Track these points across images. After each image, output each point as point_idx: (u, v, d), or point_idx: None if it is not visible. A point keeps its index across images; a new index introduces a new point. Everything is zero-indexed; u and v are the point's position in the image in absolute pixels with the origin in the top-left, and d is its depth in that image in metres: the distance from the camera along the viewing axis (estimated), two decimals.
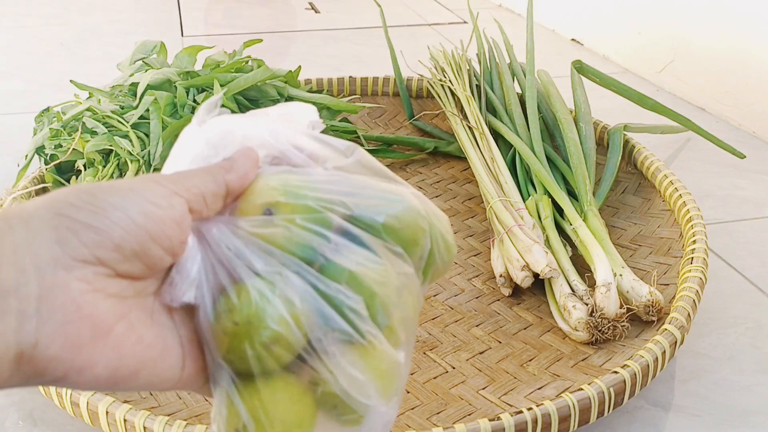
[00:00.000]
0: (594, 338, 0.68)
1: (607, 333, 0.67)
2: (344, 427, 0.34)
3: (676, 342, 0.62)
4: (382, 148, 1.04)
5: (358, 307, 0.32)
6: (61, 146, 0.85)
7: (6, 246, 0.27)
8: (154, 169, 0.81)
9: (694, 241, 0.73)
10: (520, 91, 1.01)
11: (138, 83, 0.89)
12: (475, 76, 1.05)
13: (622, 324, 0.68)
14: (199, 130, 0.36)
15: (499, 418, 0.53)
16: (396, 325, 0.34)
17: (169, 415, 0.55)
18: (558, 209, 0.82)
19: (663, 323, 0.64)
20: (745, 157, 1.03)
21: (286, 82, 0.94)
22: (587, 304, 0.69)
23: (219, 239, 0.33)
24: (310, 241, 0.32)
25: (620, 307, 0.68)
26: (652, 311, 0.68)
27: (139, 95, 0.87)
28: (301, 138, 0.36)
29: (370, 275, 0.33)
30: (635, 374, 0.58)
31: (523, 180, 0.87)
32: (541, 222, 0.80)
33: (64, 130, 0.86)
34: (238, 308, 0.31)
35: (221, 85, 0.86)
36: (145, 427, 0.53)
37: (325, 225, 0.33)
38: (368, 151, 0.95)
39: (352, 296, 0.32)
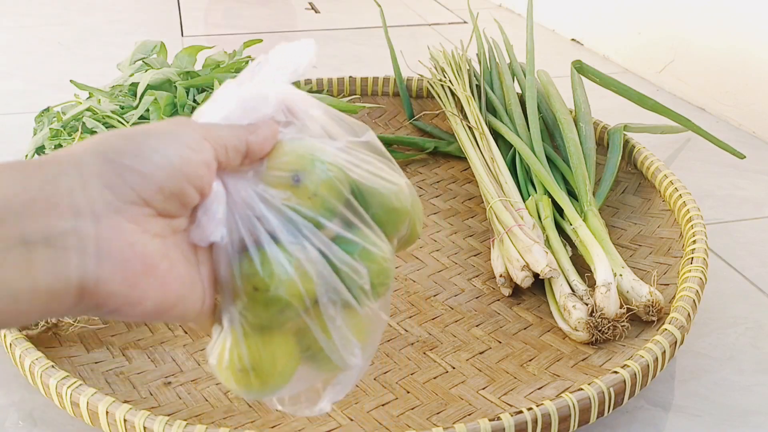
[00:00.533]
0: (594, 338, 0.68)
1: (607, 333, 0.67)
2: (323, 374, 0.38)
3: (676, 342, 0.62)
4: None
5: (364, 281, 0.36)
6: (61, 146, 0.85)
7: (61, 189, 0.29)
8: None
9: (694, 241, 0.73)
10: (520, 91, 1.01)
11: (138, 83, 0.89)
12: (475, 76, 1.05)
13: (622, 324, 0.68)
14: (237, 90, 0.38)
15: (499, 418, 0.53)
16: (388, 295, 0.39)
17: (168, 415, 0.55)
18: (558, 209, 0.82)
19: (663, 323, 0.64)
20: (744, 157, 1.03)
21: None
22: (587, 304, 0.69)
23: (246, 199, 0.35)
24: (329, 213, 0.36)
25: (620, 307, 0.68)
26: (652, 311, 0.68)
27: (139, 95, 0.87)
28: (321, 113, 0.39)
29: (377, 252, 0.37)
30: (635, 374, 0.58)
31: (523, 180, 0.87)
32: (541, 222, 0.80)
33: (64, 130, 0.86)
34: (259, 276, 0.34)
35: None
36: (145, 427, 0.53)
37: (343, 199, 0.37)
38: None
39: (360, 271, 0.36)
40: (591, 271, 0.73)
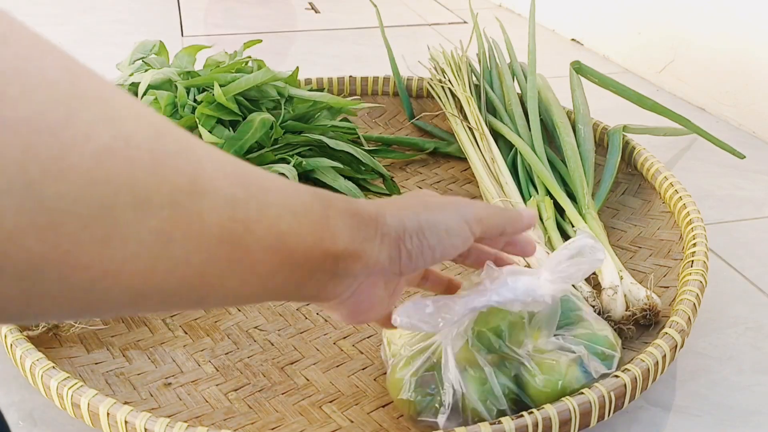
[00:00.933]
0: None
1: None
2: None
3: (676, 345, 0.62)
4: (382, 148, 1.03)
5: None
6: None
7: (368, 249, 0.40)
8: None
9: (695, 244, 0.73)
10: (519, 92, 1.01)
11: (138, 83, 0.89)
12: (475, 76, 1.05)
13: (628, 327, 0.67)
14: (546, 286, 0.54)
15: (500, 422, 0.53)
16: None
17: (169, 417, 0.55)
18: (558, 210, 0.82)
19: (663, 326, 0.64)
20: (745, 157, 1.03)
21: (286, 83, 0.94)
22: (593, 306, 0.68)
23: (453, 314, 0.51)
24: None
25: (626, 310, 0.68)
26: (650, 315, 0.68)
27: (139, 95, 0.87)
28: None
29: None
30: (636, 378, 0.58)
31: (524, 181, 0.87)
32: (542, 223, 0.80)
33: None
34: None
35: (222, 86, 0.86)
36: (146, 429, 0.53)
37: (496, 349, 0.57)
38: (368, 151, 0.96)
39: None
40: (592, 273, 0.73)
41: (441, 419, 0.55)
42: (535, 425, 0.53)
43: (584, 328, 0.59)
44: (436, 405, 0.56)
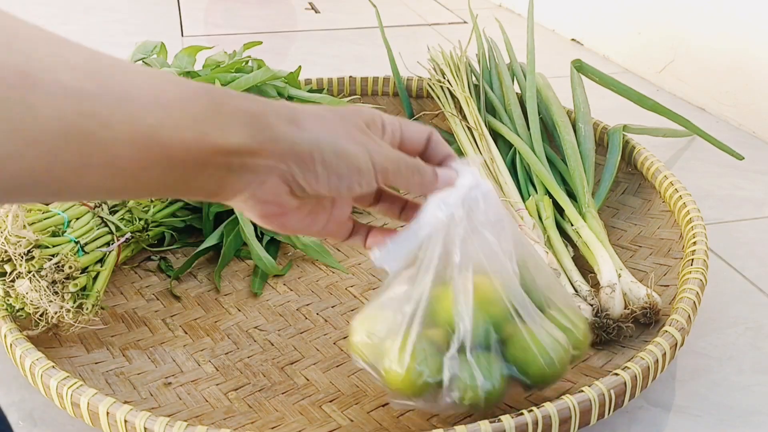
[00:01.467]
0: (599, 339, 0.68)
1: (612, 334, 0.67)
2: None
3: (676, 344, 0.62)
4: None
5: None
6: None
7: (267, 148, 0.39)
8: None
9: (695, 243, 0.73)
10: (519, 92, 1.01)
11: None
12: (474, 76, 1.05)
13: (627, 325, 0.67)
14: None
15: (499, 420, 0.53)
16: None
17: (169, 416, 0.55)
18: (558, 209, 0.82)
19: (663, 325, 0.64)
20: (743, 158, 1.03)
21: (286, 83, 0.94)
22: (592, 305, 0.69)
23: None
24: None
25: (625, 308, 0.68)
26: (650, 313, 0.68)
27: None
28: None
29: (473, 383, 0.53)
30: (635, 376, 0.58)
31: (524, 180, 0.87)
32: (542, 222, 0.80)
33: None
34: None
35: (223, 85, 0.86)
36: (145, 428, 0.53)
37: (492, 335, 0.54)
38: None
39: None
40: (591, 273, 0.73)
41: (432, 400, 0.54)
42: (535, 423, 0.53)
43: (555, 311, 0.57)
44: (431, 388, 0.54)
